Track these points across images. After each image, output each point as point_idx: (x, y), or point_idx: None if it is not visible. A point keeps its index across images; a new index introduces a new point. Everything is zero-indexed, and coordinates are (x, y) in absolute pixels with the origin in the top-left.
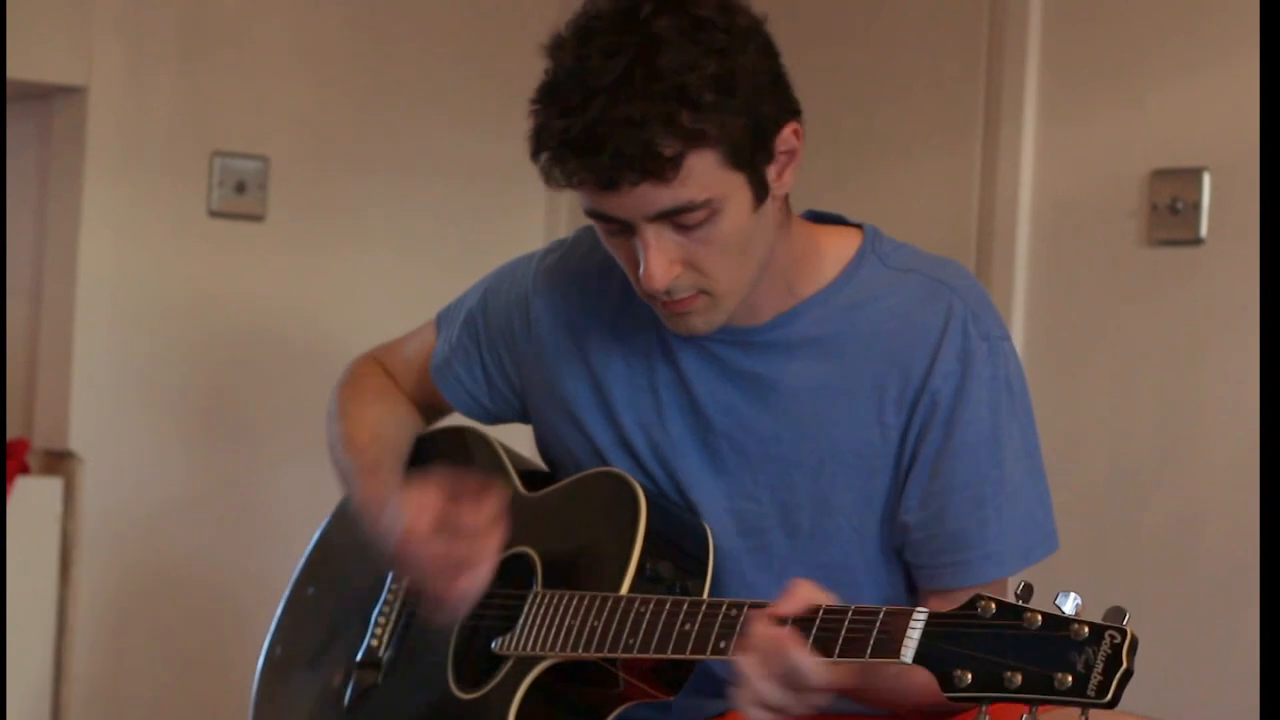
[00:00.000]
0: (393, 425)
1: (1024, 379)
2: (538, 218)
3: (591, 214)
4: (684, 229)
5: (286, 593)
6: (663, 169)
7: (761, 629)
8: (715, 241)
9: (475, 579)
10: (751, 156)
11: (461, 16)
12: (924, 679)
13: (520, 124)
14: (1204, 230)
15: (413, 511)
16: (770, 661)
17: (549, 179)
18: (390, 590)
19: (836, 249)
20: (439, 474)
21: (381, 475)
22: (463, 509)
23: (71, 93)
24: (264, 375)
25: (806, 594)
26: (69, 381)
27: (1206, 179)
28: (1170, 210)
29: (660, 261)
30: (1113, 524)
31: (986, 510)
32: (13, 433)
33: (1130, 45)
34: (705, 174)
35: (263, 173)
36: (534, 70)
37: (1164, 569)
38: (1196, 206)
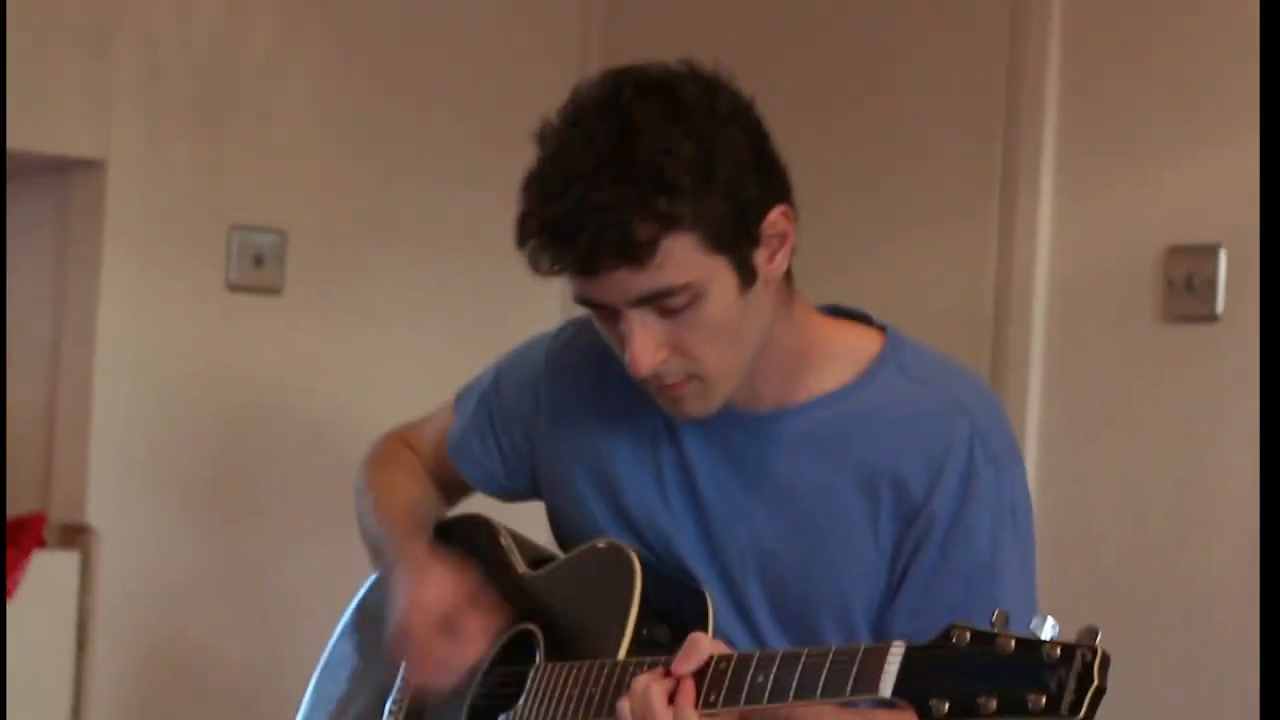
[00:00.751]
0: (421, 497)
1: (1029, 503)
2: (555, 293)
3: (579, 300)
4: (668, 313)
5: (312, 681)
6: (638, 253)
7: (640, 681)
8: (701, 325)
9: (450, 678)
10: (734, 240)
11: (481, 92)
12: None
13: None
14: (1220, 307)
15: (429, 597)
16: (637, 711)
17: (535, 266)
18: (404, 678)
19: (854, 349)
20: (463, 564)
21: (415, 543)
22: (468, 613)
23: (90, 166)
24: (282, 450)
25: (704, 649)
26: (87, 455)
27: (1223, 255)
28: (1186, 287)
29: (645, 346)
30: (1126, 601)
31: None
32: (29, 506)
33: (1145, 121)
34: (684, 258)
35: (281, 246)
36: None
37: (1174, 647)
38: (1212, 283)
